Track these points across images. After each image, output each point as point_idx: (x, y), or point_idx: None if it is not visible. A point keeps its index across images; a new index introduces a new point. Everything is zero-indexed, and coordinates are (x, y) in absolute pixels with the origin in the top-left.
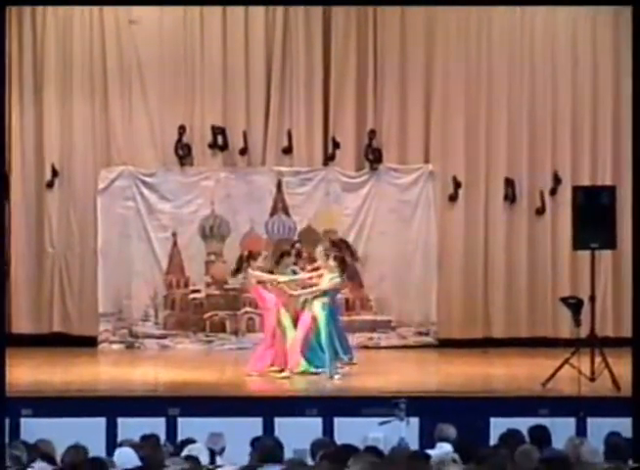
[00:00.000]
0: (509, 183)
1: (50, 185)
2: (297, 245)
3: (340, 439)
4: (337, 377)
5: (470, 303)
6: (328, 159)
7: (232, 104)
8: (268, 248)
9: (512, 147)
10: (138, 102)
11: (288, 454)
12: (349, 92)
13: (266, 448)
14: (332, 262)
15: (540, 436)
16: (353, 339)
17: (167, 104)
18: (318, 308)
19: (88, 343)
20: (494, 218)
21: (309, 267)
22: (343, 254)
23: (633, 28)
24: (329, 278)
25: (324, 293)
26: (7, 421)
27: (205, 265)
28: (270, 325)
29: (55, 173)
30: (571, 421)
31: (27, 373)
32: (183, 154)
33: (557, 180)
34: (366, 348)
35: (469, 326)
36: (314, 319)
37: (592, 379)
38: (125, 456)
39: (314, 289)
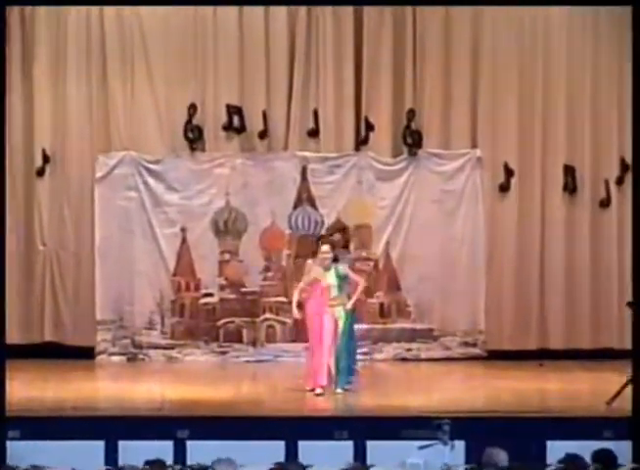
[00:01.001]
0: (569, 171)
1: (40, 173)
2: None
3: (374, 465)
4: (347, 387)
5: (523, 309)
6: (360, 143)
7: (250, 80)
8: (291, 245)
9: (572, 129)
10: (142, 79)
11: None
12: (385, 67)
13: None
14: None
15: (605, 461)
16: (389, 350)
17: (175, 81)
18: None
19: (85, 354)
20: (552, 212)
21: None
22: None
23: (633, 28)
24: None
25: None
26: None
27: (218, 265)
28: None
29: (46, 159)
30: None
31: (16, 389)
32: (193, 137)
33: (624, 167)
34: (404, 360)
35: (522, 336)
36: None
37: None
38: None
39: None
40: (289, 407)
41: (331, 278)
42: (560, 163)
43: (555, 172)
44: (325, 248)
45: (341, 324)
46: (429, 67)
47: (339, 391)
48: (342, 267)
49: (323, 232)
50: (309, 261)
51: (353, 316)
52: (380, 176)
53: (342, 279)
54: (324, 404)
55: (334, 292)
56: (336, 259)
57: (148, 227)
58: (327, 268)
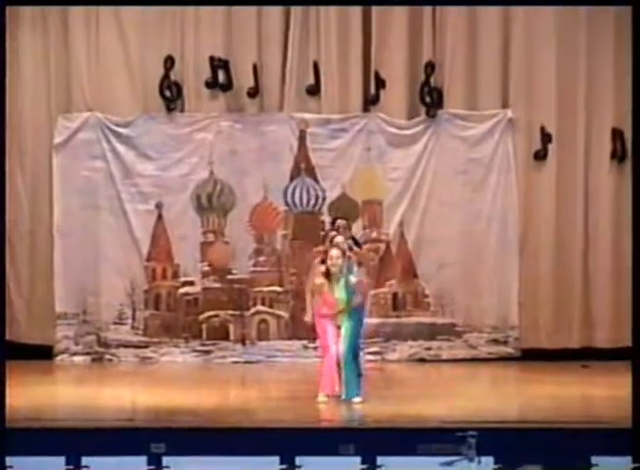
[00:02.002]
0: (617, 135)
1: None
2: (340, 222)
3: None
4: (357, 400)
5: (564, 300)
6: (369, 102)
7: (238, 27)
8: (287, 225)
9: (620, 87)
10: (108, 27)
11: None
12: (399, 12)
13: None
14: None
15: None
16: (404, 349)
17: (149, 28)
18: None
19: (42, 354)
20: (597, 183)
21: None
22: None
23: (633, 28)
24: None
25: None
26: None
27: (200, 248)
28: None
29: None
30: None
31: None
32: (171, 95)
33: None
34: (421, 361)
35: (562, 332)
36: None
37: None
38: None
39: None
40: (284, 417)
41: (340, 292)
42: (607, 126)
43: (601, 137)
44: (335, 253)
45: (345, 330)
46: (451, 11)
47: (355, 400)
48: (353, 278)
49: (329, 224)
50: (316, 261)
51: (360, 314)
52: (392, 142)
53: (353, 292)
54: (326, 414)
55: (341, 305)
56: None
57: (116, 203)
58: (337, 280)
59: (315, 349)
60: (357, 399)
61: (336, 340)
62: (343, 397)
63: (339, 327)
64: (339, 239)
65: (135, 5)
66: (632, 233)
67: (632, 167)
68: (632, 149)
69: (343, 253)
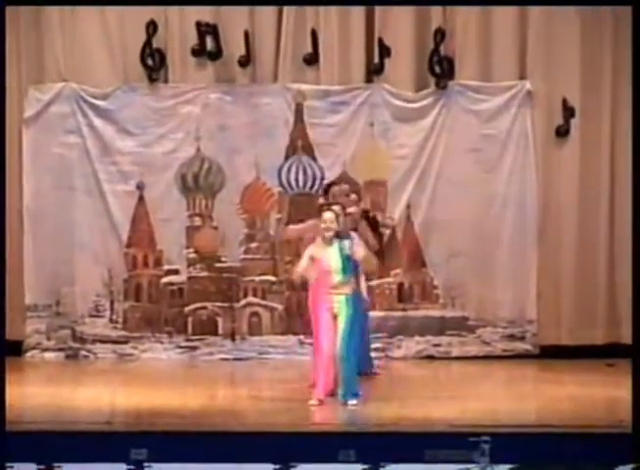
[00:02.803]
0: None
1: None
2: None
3: None
4: (352, 402)
5: (586, 292)
6: (373, 72)
7: None
8: (282, 208)
9: None
10: None
11: None
12: None
13: None
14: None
15: None
16: (411, 345)
17: None
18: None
19: (10, 350)
20: (624, 163)
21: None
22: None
23: (633, 28)
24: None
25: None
26: None
27: (185, 233)
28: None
29: None
30: None
31: None
32: (153, 64)
33: None
34: (429, 358)
35: (585, 327)
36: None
37: None
38: None
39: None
40: (278, 420)
41: (333, 258)
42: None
43: (628, 111)
44: (328, 216)
45: (342, 319)
46: None
47: (351, 402)
48: (349, 244)
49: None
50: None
51: (363, 304)
52: (398, 116)
53: (348, 260)
54: (325, 416)
55: (337, 277)
56: (338, 235)
57: (93, 183)
58: (329, 244)
59: (312, 344)
60: (353, 402)
61: (329, 332)
62: (339, 398)
63: (335, 316)
64: (327, 215)
65: (135, 5)
66: (632, 235)
67: (632, 168)
68: (632, 149)
69: (337, 216)
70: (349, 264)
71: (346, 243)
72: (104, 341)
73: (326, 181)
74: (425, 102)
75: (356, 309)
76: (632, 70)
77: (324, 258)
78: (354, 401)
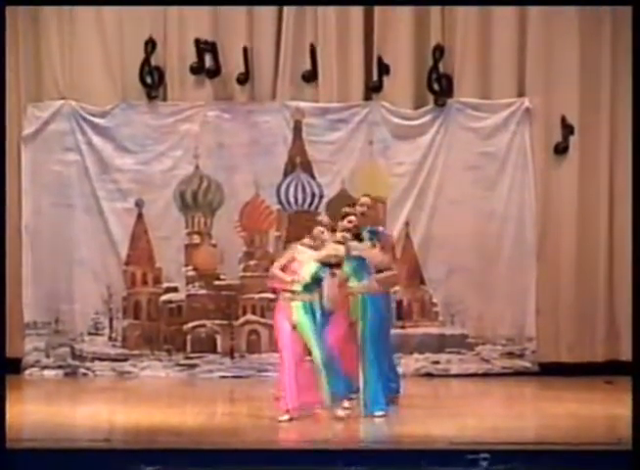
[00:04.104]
0: None
1: None
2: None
3: None
4: (341, 413)
5: (586, 310)
6: (371, 89)
7: (226, 7)
8: (281, 225)
9: None
10: (84, 7)
11: None
12: None
13: None
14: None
15: None
16: (409, 362)
17: (129, 10)
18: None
19: (9, 368)
20: (623, 180)
21: None
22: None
23: (633, 28)
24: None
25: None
26: None
27: (184, 251)
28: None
29: None
30: None
31: None
32: (152, 82)
33: None
34: (429, 376)
35: (584, 345)
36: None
37: None
38: None
39: None
40: (277, 437)
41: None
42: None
43: (627, 128)
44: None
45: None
46: None
47: (340, 413)
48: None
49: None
50: (298, 246)
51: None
52: (397, 134)
53: (358, 263)
54: (324, 433)
55: (298, 284)
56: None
57: (92, 200)
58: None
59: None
60: (379, 413)
61: (292, 340)
62: (363, 412)
63: (295, 326)
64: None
65: (135, 5)
66: (632, 253)
67: (632, 168)
68: (632, 149)
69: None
70: (359, 268)
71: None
72: (103, 358)
73: (326, 199)
74: (424, 119)
75: (375, 312)
76: (632, 70)
77: (293, 266)
78: (380, 413)
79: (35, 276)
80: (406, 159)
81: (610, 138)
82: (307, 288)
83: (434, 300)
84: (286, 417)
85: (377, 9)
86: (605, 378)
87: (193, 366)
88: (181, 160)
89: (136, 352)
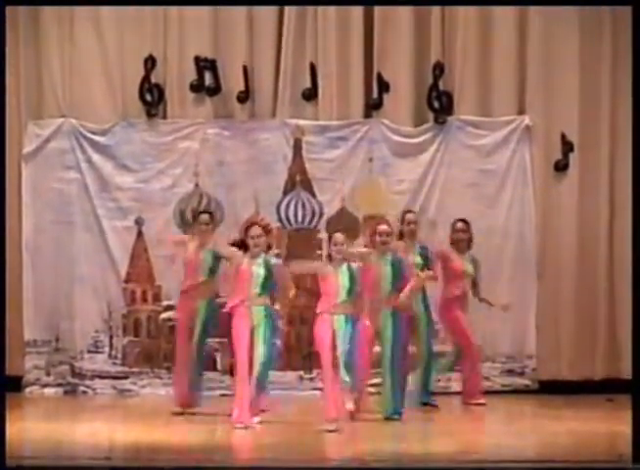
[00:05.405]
0: None
1: None
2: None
3: None
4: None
5: (586, 327)
6: (371, 107)
7: (226, 25)
8: (281, 243)
9: None
10: (84, 22)
11: None
12: (404, 8)
13: None
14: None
15: None
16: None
17: (129, 27)
18: None
19: (10, 386)
20: (624, 197)
21: None
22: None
23: (633, 28)
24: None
25: None
26: None
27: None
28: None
29: None
30: None
31: None
32: (152, 100)
33: None
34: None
35: (584, 362)
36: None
37: None
38: None
39: None
40: (276, 455)
41: (344, 278)
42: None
43: (628, 145)
44: (339, 238)
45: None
46: (462, 7)
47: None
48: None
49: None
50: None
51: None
52: (397, 152)
53: (355, 279)
54: (322, 452)
55: (343, 295)
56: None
57: (92, 218)
58: (338, 265)
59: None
60: (396, 417)
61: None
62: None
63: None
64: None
65: (135, 5)
66: (632, 270)
67: (632, 185)
68: (632, 166)
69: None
70: (355, 285)
71: (352, 264)
72: (103, 376)
73: (326, 216)
74: (424, 137)
75: (398, 321)
76: (632, 70)
77: (333, 279)
78: (396, 417)
79: (36, 294)
80: (406, 176)
81: (610, 155)
82: (349, 293)
83: (433, 317)
84: (333, 426)
85: (377, 27)
86: (605, 396)
87: None
88: (181, 177)
89: (136, 369)
